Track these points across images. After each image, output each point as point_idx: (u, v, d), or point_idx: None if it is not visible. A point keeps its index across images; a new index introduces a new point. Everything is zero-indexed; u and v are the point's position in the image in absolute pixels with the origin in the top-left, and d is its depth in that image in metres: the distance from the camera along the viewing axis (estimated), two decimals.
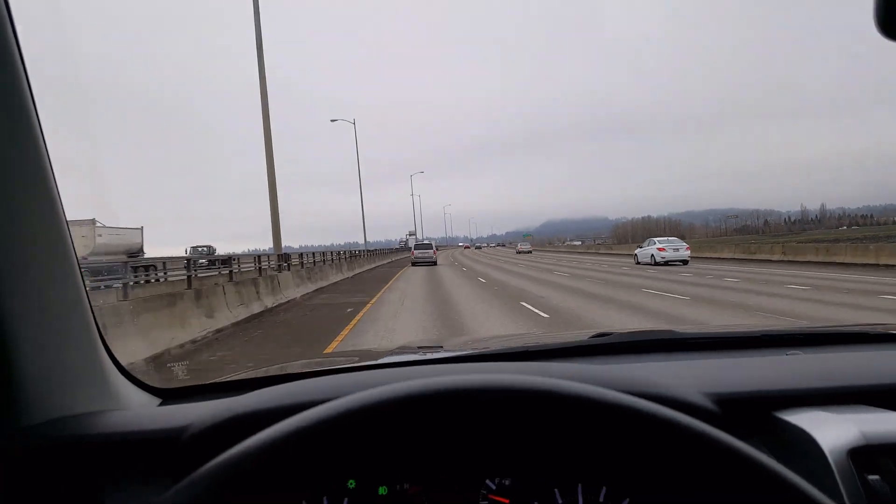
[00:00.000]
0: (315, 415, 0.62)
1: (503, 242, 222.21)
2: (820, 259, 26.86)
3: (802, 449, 0.88)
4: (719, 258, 35.63)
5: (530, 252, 76.14)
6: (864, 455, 0.82)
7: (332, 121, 47.95)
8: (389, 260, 52.64)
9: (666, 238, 32.57)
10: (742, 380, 1.06)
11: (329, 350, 9.01)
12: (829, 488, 0.81)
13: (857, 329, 1.63)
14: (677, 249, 30.33)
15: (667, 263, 29.64)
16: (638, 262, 32.46)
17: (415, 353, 1.76)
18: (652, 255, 30.63)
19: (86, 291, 1.05)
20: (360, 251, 45.13)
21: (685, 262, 29.99)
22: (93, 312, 1.06)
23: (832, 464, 0.82)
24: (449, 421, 0.63)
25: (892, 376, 1.05)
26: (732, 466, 0.59)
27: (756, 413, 0.98)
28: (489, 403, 0.63)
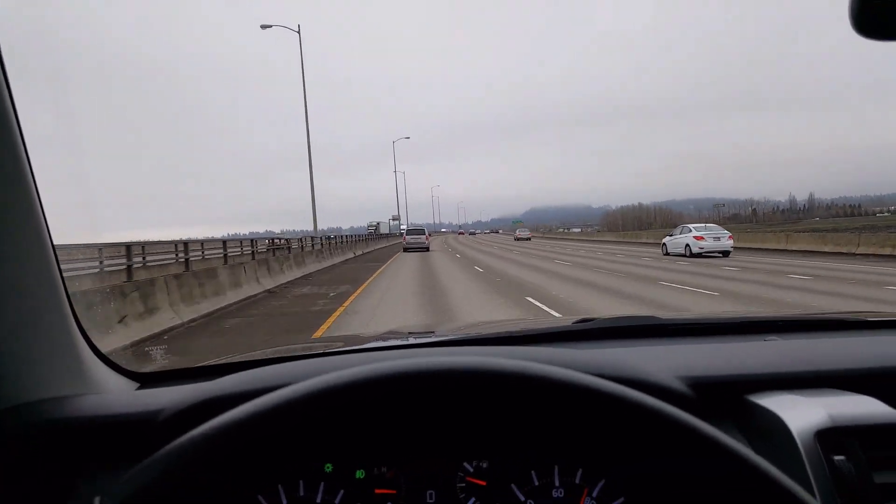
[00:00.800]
0: (282, 396, 0.61)
1: (496, 229, 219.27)
2: (887, 252, 23.33)
3: (773, 431, 0.91)
4: (755, 249, 31.67)
5: (529, 239, 72.87)
6: (831, 436, 0.86)
7: (264, 27, 31.24)
8: (345, 257, 33.57)
9: (704, 225, 27.86)
10: (718, 364, 1.09)
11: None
12: (798, 468, 0.84)
13: (835, 317, 1.67)
14: (718, 238, 25.68)
15: (701, 255, 25.39)
16: (667, 253, 28.05)
17: (403, 338, 1.71)
18: (687, 245, 26.30)
19: (61, 275, 1.04)
20: (328, 239, 35.26)
21: (726, 254, 25.51)
22: (68, 296, 1.06)
23: (800, 445, 0.86)
24: (423, 402, 0.64)
25: (861, 361, 1.09)
26: (698, 447, 0.61)
27: (729, 396, 1.01)
28: (463, 385, 0.63)
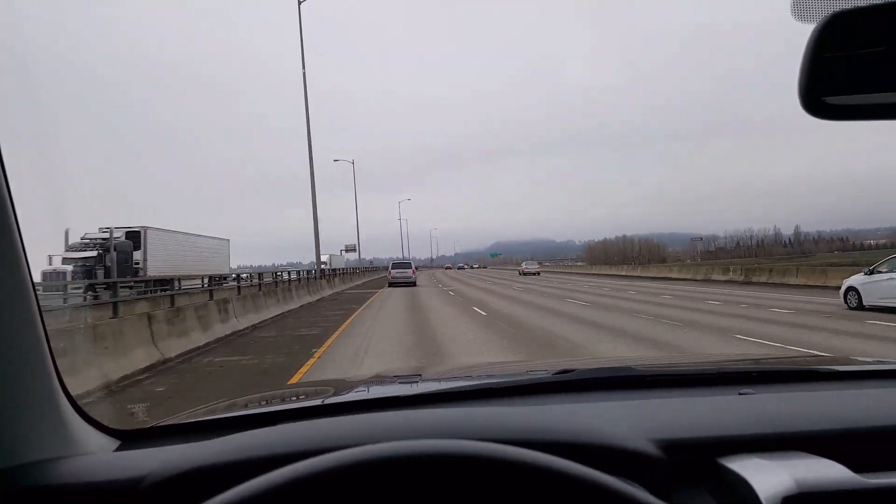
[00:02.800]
0: (276, 479, 0.65)
1: (485, 264, 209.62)
2: None
3: (743, 496, 0.94)
4: None
5: (538, 274, 64.12)
6: (797, 502, 0.89)
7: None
8: (300, 302, 23.44)
9: None
10: (691, 423, 1.14)
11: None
12: None
13: (806, 368, 1.81)
14: None
15: None
16: (857, 306, 16.19)
17: (391, 383, 1.83)
18: None
19: (44, 327, 1.02)
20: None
21: None
22: (50, 350, 1.04)
23: None
24: (417, 487, 0.69)
25: (827, 422, 1.14)
26: None
27: (701, 459, 1.04)
28: (441, 471, 0.69)
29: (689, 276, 43.36)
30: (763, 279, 33.91)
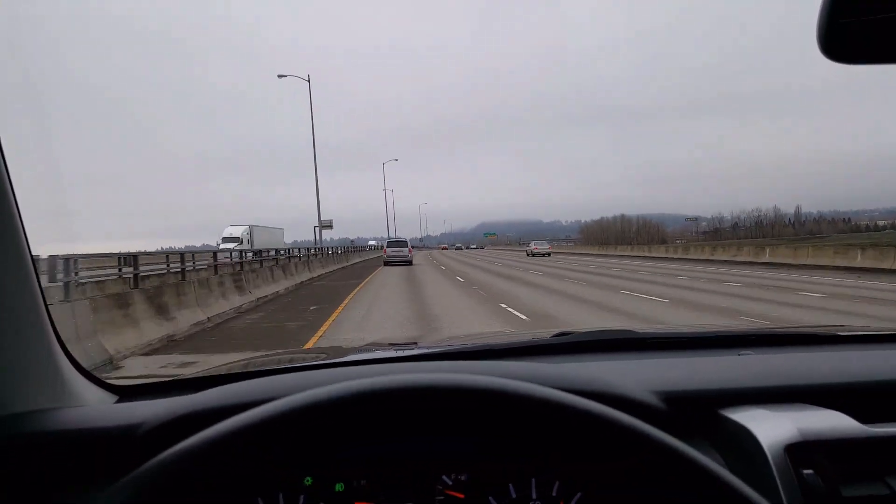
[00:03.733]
0: (261, 412, 0.65)
1: (482, 244, 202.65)
2: None
3: (744, 445, 0.95)
4: None
5: (548, 255, 58.55)
6: (800, 451, 0.90)
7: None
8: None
9: None
10: (691, 378, 1.13)
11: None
12: (769, 482, 0.88)
13: (808, 331, 1.75)
14: None
15: None
16: None
17: (385, 349, 1.79)
18: None
19: (40, 287, 1.06)
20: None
21: None
22: (47, 308, 1.08)
23: (770, 459, 0.89)
24: (401, 418, 0.68)
25: (831, 377, 1.14)
26: (668, 462, 0.65)
27: (702, 411, 1.05)
28: (438, 401, 0.68)
29: (708, 257, 40.58)
30: (791, 260, 30.90)
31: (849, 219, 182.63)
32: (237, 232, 49.42)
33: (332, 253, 42.44)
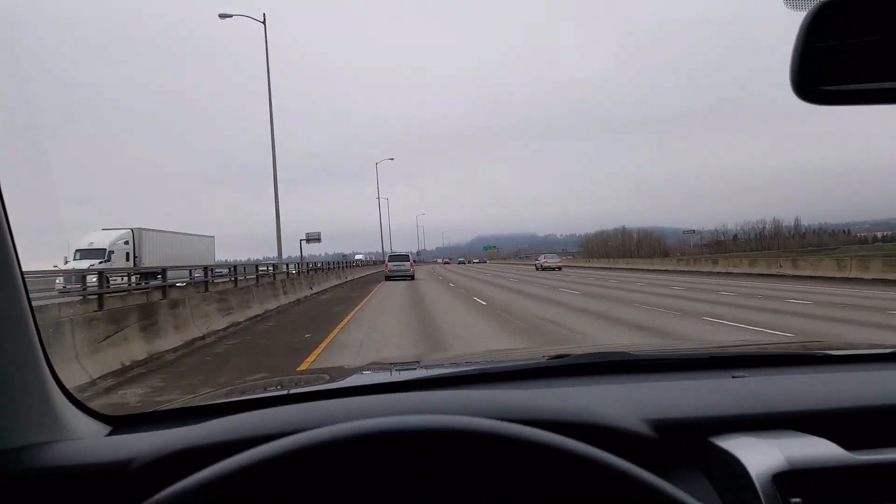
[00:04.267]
0: (259, 455, 0.66)
1: (484, 258, 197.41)
2: None
3: (734, 473, 0.96)
4: None
5: (559, 269, 55.26)
6: (788, 479, 0.91)
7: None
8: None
9: None
10: (683, 405, 1.15)
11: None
12: None
13: (801, 351, 1.82)
14: None
15: None
16: None
17: (387, 370, 1.83)
18: None
19: (33, 315, 1.04)
20: None
21: None
22: (39, 334, 1.06)
23: (758, 488, 0.90)
24: (396, 462, 0.70)
25: (818, 402, 1.16)
26: (640, 494, 0.67)
27: (692, 438, 1.06)
28: (432, 445, 0.70)
29: (730, 270, 38.49)
30: (834, 273, 28.83)
31: (847, 230, 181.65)
32: (103, 240, 30.33)
33: (319, 269, 35.36)
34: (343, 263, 49.23)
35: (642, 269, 50.89)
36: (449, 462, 0.70)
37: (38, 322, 1.07)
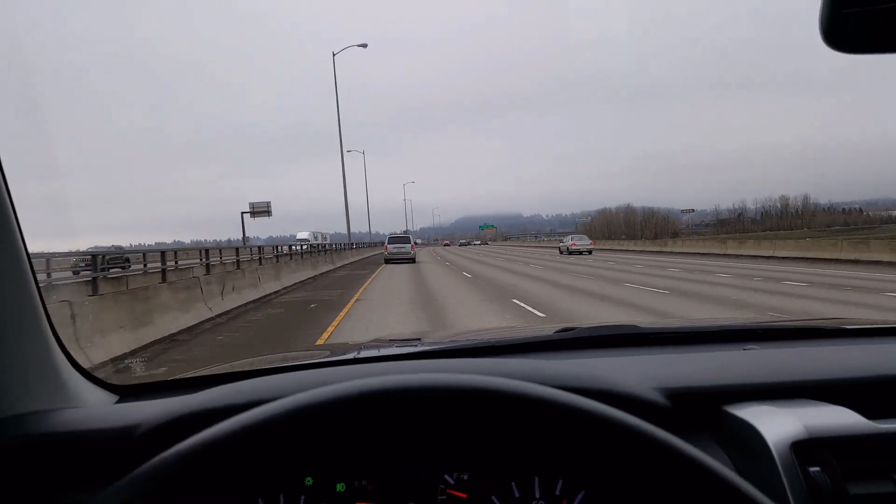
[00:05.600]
0: (263, 412, 0.65)
1: (485, 239, 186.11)
2: None
3: (750, 442, 0.95)
4: None
5: (590, 252, 46.18)
6: (807, 448, 0.90)
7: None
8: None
9: None
10: (695, 374, 1.13)
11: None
12: (773, 479, 0.88)
13: (813, 324, 1.77)
14: None
15: None
16: None
17: (390, 346, 1.80)
18: None
19: (37, 286, 1.06)
20: None
21: None
22: (45, 308, 1.08)
23: (776, 456, 0.89)
24: (402, 419, 0.68)
25: (837, 371, 1.14)
26: (673, 463, 0.64)
27: (706, 407, 1.05)
28: (442, 402, 0.67)
29: (775, 253, 31.90)
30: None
31: (860, 209, 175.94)
32: None
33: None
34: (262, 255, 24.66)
35: (677, 253, 43.36)
36: (460, 420, 0.67)
37: (44, 296, 1.08)
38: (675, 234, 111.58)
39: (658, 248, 49.79)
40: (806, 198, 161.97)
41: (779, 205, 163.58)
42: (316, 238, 64.89)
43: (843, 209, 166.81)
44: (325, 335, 10.31)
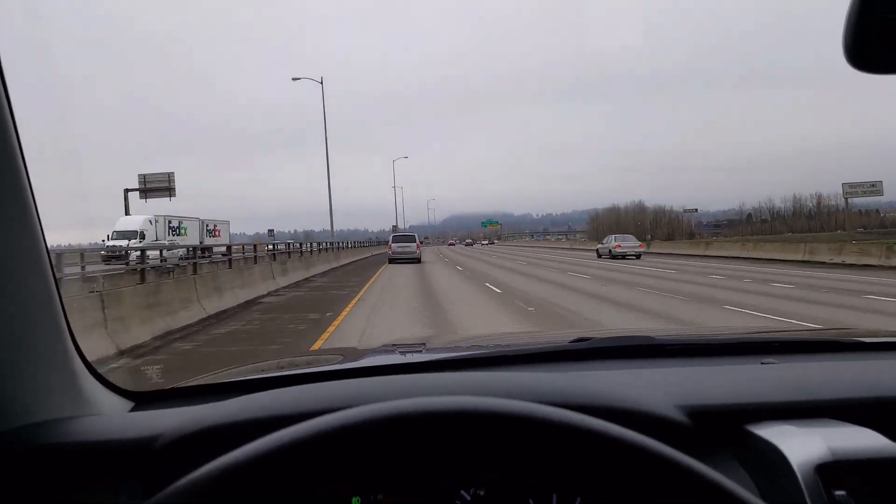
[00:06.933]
0: (288, 436, 0.65)
1: (491, 238, 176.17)
2: None
3: (772, 463, 0.94)
4: None
5: (638, 257, 37.91)
6: (832, 470, 0.88)
7: None
8: None
9: None
10: (716, 391, 1.13)
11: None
12: (798, 502, 0.87)
13: (832, 336, 1.78)
14: None
15: None
16: None
17: (400, 351, 1.80)
18: None
19: (57, 288, 1.06)
20: None
21: None
22: (63, 311, 1.08)
23: (800, 479, 0.88)
24: (430, 440, 0.67)
25: (859, 390, 1.13)
26: (697, 489, 0.63)
27: (728, 426, 1.04)
28: (460, 427, 0.67)
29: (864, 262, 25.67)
30: None
31: (878, 211, 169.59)
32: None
33: None
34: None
35: (725, 257, 36.27)
36: (489, 442, 0.67)
37: (63, 298, 1.07)
38: (692, 235, 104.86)
39: (700, 252, 42.44)
40: (819, 196, 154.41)
41: (809, 204, 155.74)
42: (171, 231, 36.92)
43: (860, 211, 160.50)
44: None
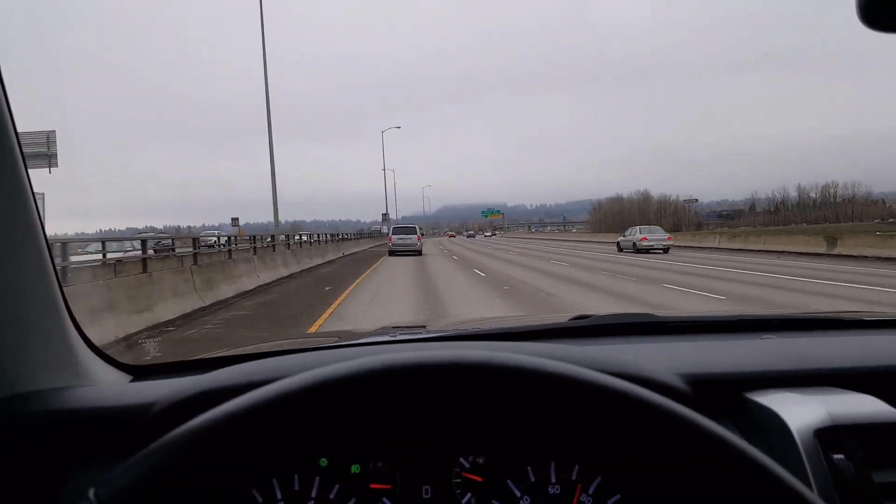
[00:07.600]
0: (276, 389, 0.63)
1: (492, 229, 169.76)
2: None
3: (771, 429, 0.95)
4: None
5: (666, 250, 33.03)
6: (831, 435, 0.89)
7: None
8: None
9: None
10: (716, 362, 1.14)
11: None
12: (796, 467, 0.88)
13: (830, 315, 1.74)
14: None
15: None
16: None
17: (395, 333, 1.81)
18: None
19: (54, 266, 1.08)
20: None
21: None
22: (61, 288, 1.10)
23: (799, 443, 0.89)
24: (418, 396, 0.65)
25: (860, 360, 1.15)
26: (700, 444, 0.62)
27: (727, 394, 1.05)
28: (459, 378, 0.65)
29: None
30: None
31: (883, 200, 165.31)
32: None
33: None
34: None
35: (749, 250, 31.88)
36: (487, 398, 0.65)
37: (61, 277, 1.08)
38: (699, 226, 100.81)
39: (726, 245, 37.67)
40: (855, 185, 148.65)
41: (813, 194, 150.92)
42: None
43: (866, 200, 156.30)
44: None
